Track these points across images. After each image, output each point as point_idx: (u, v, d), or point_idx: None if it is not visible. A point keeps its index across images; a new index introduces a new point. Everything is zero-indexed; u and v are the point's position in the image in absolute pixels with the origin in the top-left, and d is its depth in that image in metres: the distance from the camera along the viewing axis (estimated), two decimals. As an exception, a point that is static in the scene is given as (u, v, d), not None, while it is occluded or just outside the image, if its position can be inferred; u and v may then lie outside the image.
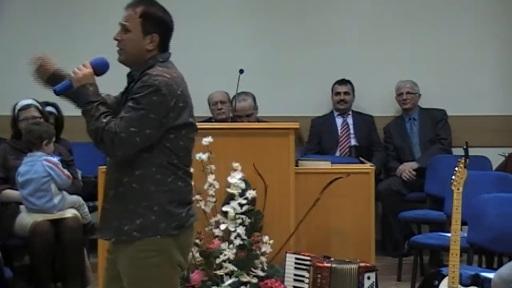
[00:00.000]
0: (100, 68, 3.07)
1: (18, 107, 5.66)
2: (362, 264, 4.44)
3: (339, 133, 6.87)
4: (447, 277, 4.22)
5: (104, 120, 2.92)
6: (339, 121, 6.93)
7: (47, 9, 7.18)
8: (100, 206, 3.37)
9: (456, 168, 4.35)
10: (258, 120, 6.41)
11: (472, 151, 4.59)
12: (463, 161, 4.35)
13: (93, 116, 2.94)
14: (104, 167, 4.76)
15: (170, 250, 3.01)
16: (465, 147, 4.43)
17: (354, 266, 4.43)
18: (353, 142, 6.83)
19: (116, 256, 3.05)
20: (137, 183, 2.98)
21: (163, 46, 3.10)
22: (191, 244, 3.21)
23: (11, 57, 7.00)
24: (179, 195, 3.04)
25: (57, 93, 3.05)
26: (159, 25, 3.06)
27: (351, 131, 6.87)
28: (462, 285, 4.20)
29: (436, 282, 4.25)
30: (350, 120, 6.93)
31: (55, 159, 5.35)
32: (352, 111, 6.96)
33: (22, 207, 5.34)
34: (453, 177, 4.34)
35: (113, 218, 3.02)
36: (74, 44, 6.90)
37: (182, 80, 3.07)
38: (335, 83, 6.92)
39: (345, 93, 6.89)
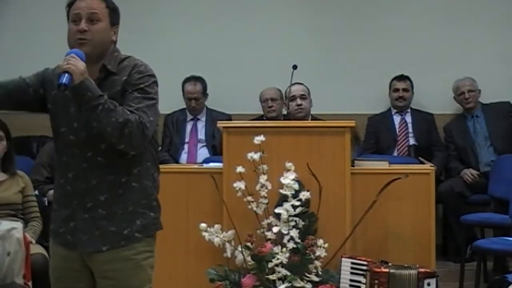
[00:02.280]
0: (82, 60, 2.89)
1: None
2: (421, 270, 4.39)
3: (397, 132, 6.82)
4: (513, 284, 4.17)
5: (128, 113, 2.85)
6: (397, 119, 6.88)
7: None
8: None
9: (523, 169, 4.28)
10: (313, 118, 6.40)
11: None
12: (530, 161, 4.28)
13: (113, 109, 2.82)
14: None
15: (154, 249, 3.05)
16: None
17: (413, 271, 4.38)
18: (411, 141, 6.78)
19: (100, 264, 2.95)
20: (136, 181, 2.96)
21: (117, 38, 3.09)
22: None
23: (58, 56, 7.11)
24: (159, 189, 3.08)
25: (68, 86, 2.81)
26: (118, 17, 3.08)
27: (410, 129, 6.81)
28: (529, 292, 4.14)
29: (501, 289, 4.20)
30: (408, 118, 6.88)
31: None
32: (411, 108, 6.91)
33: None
34: (520, 178, 4.28)
35: (105, 224, 2.93)
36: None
37: None
38: (393, 79, 6.89)
39: (404, 89, 6.85)
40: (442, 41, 7.00)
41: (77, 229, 2.95)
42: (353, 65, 7.05)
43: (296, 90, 6.30)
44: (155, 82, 3.00)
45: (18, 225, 4.67)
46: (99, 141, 2.90)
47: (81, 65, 2.82)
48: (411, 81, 6.88)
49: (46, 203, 5.30)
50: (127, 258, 2.94)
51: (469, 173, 6.48)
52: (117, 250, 2.93)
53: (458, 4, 7.05)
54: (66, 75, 2.80)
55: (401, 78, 6.87)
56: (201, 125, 6.86)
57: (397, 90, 6.86)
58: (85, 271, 2.99)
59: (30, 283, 4.56)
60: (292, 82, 5.90)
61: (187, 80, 6.89)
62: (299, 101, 6.30)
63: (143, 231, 2.97)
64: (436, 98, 6.95)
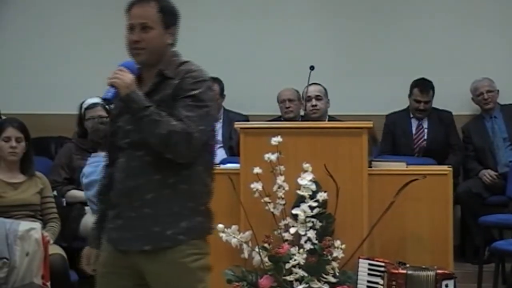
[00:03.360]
0: (132, 72, 3.00)
1: (84, 105, 5.76)
2: (439, 271, 4.38)
3: (413, 136, 6.78)
4: (531, 286, 4.15)
5: (175, 123, 2.85)
6: (414, 123, 6.82)
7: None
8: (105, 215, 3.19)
9: (542, 170, 4.26)
10: (330, 118, 6.40)
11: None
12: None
13: (158, 121, 2.85)
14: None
15: (208, 251, 3.05)
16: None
17: (431, 273, 4.37)
18: (425, 145, 6.73)
19: (148, 266, 2.98)
20: (184, 184, 2.97)
21: (176, 38, 3.11)
22: None
23: (78, 56, 7.16)
24: (211, 196, 3.09)
25: (111, 100, 2.97)
26: (176, 17, 3.09)
27: (425, 135, 6.76)
28: (548, 294, 4.12)
29: (520, 291, 4.18)
30: (425, 123, 6.80)
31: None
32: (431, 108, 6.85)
33: (87, 208, 5.43)
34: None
35: (150, 224, 2.95)
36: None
37: None
38: (415, 86, 6.74)
39: (426, 102, 6.72)
40: (459, 42, 6.98)
41: (123, 227, 3.00)
42: (371, 66, 7.04)
43: (312, 91, 6.31)
44: (209, 88, 2.99)
45: (37, 225, 4.70)
46: (150, 144, 2.93)
47: (127, 78, 2.91)
48: (433, 90, 6.71)
49: (65, 204, 5.32)
50: (173, 261, 2.95)
51: (487, 174, 6.46)
52: (162, 251, 2.95)
53: (475, 6, 7.03)
54: (111, 89, 2.91)
55: (425, 89, 6.68)
56: (218, 126, 6.86)
57: (419, 101, 6.71)
58: (131, 269, 3.01)
59: (48, 284, 4.58)
60: (309, 83, 5.90)
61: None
62: (314, 101, 6.32)
63: (188, 233, 2.96)
64: (453, 99, 6.91)
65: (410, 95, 6.80)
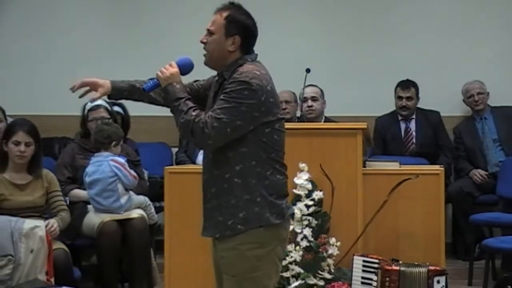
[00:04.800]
0: (185, 68, 3.25)
1: (87, 107, 5.74)
2: (431, 268, 4.38)
3: (403, 138, 6.78)
4: (521, 282, 4.15)
5: (194, 113, 3.08)
6: (402, 125, 6.82)
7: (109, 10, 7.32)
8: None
9: (531, 170, 4.26)
10: (326, 119, 6.40)
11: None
12: (537, 162, 4.26)
13: (182, 111, 3.10)
14: (171, 167, 4.85)
15: (271, 243, 3.15)
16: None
17: (423, 269, 4.37)
18: (415, 148, 6.72)
19: (218, 251, 3.20)
20: (239, 178, 3.13)
21: (246, 48, 3.25)
22: (287, 237, 3.33)
23: (80, 59, 7.16)
24: (277, 188, 3.19)
25: (146, 91, 3.24)
26: (241, 28, 3.22)
27: (414, 137, 6.76)
28: (537, 290, 4.12)
29: (510, 287, 4.18)
30: (413, 125, 6.79)
31: (122, 160, 5.42)
32: (417, 109, 6.82)
33: (90, 207, 5.42)
34: (527, 179, 4.26)
35: (216, 214, 3.17)
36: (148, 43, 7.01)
37: (270, 77, 3.22)
38: (397, 86, 6.78)
39: (408, 98, 6.73)
40: (450, 46, 6.97)
41: (204, 217, 3.26)
42: (364, 69, 7.03)
43: (308, 92, 6.34)
44: (246, 89, 3.09)
45: (41, 223, 4.68)
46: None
47: (169, 72, 3.19)
48: (416, 88, 6.75)
49: (68, 203, 5.31)
50: (233, 248, 3.14)
51: (478, 174, 6.46)
52: (225, 239, 3.16)
53: (466, 10, 7.02)
54: (152, 80, 3.21)
55: (406, 86, 6.74)
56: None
57: (401, 98, 6.75)
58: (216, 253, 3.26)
59: (52, 280, 4.57)
60: (306, 84, 5.91)
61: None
62: (310, 102, 6.34)
63: (246, 223, 3.12)
64: (445, 101, 6.90)
65: (395, 97, 6.81)
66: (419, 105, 6.85)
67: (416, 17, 7.05)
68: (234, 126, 3.07)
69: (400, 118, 6.83)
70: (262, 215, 3.13)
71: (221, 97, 3.10)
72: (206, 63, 3.25)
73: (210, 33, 3.22)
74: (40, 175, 5.00)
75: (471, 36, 6.97)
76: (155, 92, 3.32)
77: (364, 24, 7.05)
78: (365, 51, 7.03)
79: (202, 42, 3.23)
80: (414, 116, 6.82)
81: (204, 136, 3.06)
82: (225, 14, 3.21)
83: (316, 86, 6.41)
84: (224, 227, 3.14)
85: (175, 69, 3.21)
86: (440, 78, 6.92)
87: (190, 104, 3.13)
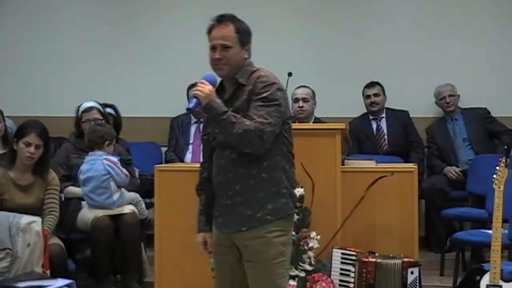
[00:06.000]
0: (213, 84, 3.25)
1: (81, 109, 5.74)
2: (406, 260, 4.40)
3: (375, 138, 6.80)
4: (488, 273, 4.18)
5: (248, 123, 3.11)
6: (374, 125, 6.84)
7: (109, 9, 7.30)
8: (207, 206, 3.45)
9: (498, 168, 4.29)
10: (316, 119, 6.42)
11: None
12: (504, 160, 4.29)
13: (234, 122, 3.10)
14: (161, 165, 4.85)
15: (290, 230, 3.32)
16: (506, 147, 4.36)
17: (398, 261, 4.39)
18: (387, 147, 6.75)
19: (241, 242, 3.24)
20: (266, 173, 3.21)
21: (250, 52, 3.36)
22: None
23: (74, 62, 7.14)
24: (293, 179, 3.34)
25: (191, 109, 3.22)
26: (249, 36, 3.33)
27: (385, 136, 6.78)
28: (503, 280, 4.15)
29: (478, 277, 4.21)
30: (383, 124, 6.82)
31: (115, 159, 5.41)
32: (386, 109, 6.85)
33: (83, 203, 5.41)
34: (495, 176, 4.29)
35: (242, 209, 3.22)
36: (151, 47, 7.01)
37: None
38: (364, 88, 6.81)
39: (375, 94, 6.77)
40: (423, 51, 6.97)
41: (223, 213, 3.29)
42: (343, 72, 7.03)
43: (300, 93, 6.37)
44: (278, 89, 3.22)
45: (37, 219, 4.67)
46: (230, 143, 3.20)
47: (207, 89, 3.16)
48: (381, 86, 6.79)
49: (63, 199, 5.30)
50: (261, 236, 3.20)
51: (452, 171, 6.48)
52: (253, 229, 3.21)
53: (437, 17, 7.02)
54: (194, 100, 3.17)
55: (371, 84, 6.78)
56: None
57: (368, 96, 6.78)
58: (233, 246, 3.29)
59: (48, 272, 4.56)
60: (298, 86, 5.92)
61: (192, 86, 6.87)
62: (301, 103, 6.35)
63: (274, 213, 3.21)
64: (418, 103, 6.91)
65: (364, 100, 6.84)
66: (393, 106, 6.87)
67: (391, 23, 7.03)
68: (278, 126, 3.18)
69: (371, 118, 6.84)
70: (288, 204, 3.26)
71: (259, 103, 3.15)
72: (224, 75, 3.27)
73: (226, 47, 3.24)
74: (46, 177, 4.97)
75: (443, 42, 6.98)
76: None
77: (339, 30, 7.03)
78: (342, 57, 7.02)
79: (218, 58, 3.24)
80: (384, 115, 6.85)
81: (263, 142, 3.12)
82: (232, 27, 3.27)
83: (308, 87, 6.42)
84: (253, 220, 3.21)
85: (210, 86, 3.20)
86: (413, 81, 6.93)
87: (237, 115, 3.14)
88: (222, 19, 3.29)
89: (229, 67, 3.25)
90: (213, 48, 3.28)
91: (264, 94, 3.16)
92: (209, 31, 3.31)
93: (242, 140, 3.10)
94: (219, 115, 3.13)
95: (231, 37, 3.25)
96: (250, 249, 3.23)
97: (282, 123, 3.22)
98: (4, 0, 7.33)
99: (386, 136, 6.78)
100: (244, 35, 3.29)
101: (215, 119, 3.16)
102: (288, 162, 3.30)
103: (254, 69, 3.29)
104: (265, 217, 3.20)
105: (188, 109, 3.24)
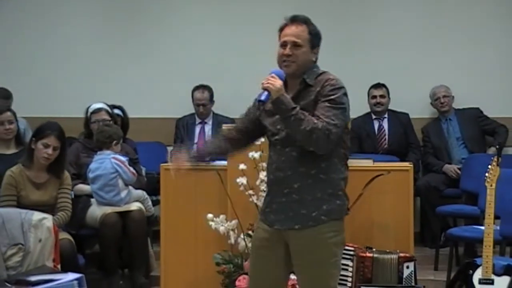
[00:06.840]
0: (281, 79, 3.15)
1: (90, 110, 5.76)
2: (402, 255, 4.41)
3: (377, 137, 6.81)
4: (481, 267, 4.19)
5: (316, 121, 3.05)
6: (376, 124, 6.86)
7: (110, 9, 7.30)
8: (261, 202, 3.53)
9: (490, 166, 4.30)
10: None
11: (505, 150, 4.54)
12: (496, 159, 4.30)
13: (303, 119, 3.04)
14: (166, 164, 4.86)
15: (343, 231, 3.26)
16: (497, 146, 4.37)
17: (394, 256, 4.40)
18: (387, 145, 6.76)
19: (293, 240, 3.19)
20: (324, 174, 3.17)
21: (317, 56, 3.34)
22: None
23: (84, 65, 7.14)
24: (347, 181, 3.29)
25: (264, 102, 3.10)
26: (319, 40, 3.32)
27: (386, 135, 6.79)
28: (495, 274, 4.16)
29: (471, 271, 4.22)
30: (385, 123, 6.84)
31: (123, 158, 5.43)
32: (388, 111, 6.87)
33: (92, 200, 5.43)
34: (487, 174, 4.30)
35: (298, 207, 3.17)
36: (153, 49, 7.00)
37: None
38: (370, 88, 6.85)
39: (381, 96, 6.81)
40: (419, 54, 6.98)
41: (276, 210, 3.24)
42: (343, 74, 6.95)
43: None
44: (345, 94, 3.20)
45: (48, 215, 4.68)
46: (295, 139, 3.13)
47: (278, 83, 3.08)
48: (387, 88, 6.83)
49: (73, 196, 5.32)
50: (314, 236, 3.16)
51: (452, 169, 6.49)
52: (307, 229, 3.16)
53: (433, 21, 7.03)
54: (265, 92, 3.08)
55: (378, 85, 6.82)
56: (208, 128, 6.88)
57: (374, 97, 6.81)
58: (280, 243, 3.24)
59: (58, 266, 4.57)
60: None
61: (196, 88, 6.90)
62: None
63: (329, 214, 3.18)
64: (414, 103, 6.93)
65: (368, 99, 6.85)
66: (391, 107, 6.88)
67: (389, 28, 7.03)
68: (342, 128, 3.14)
69: (374, 117, 6.86)
70: (342, 206, 3.23)
71: (327, 104, 3.11)
72: (291, 72, 3.21)
73: (297, 45, 3.21)
74: (61, 177, 5.01)
75: (438, 45, 6.98)
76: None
77: (340, 34, 7.03)
78: (340, 58, 6.99)
79: (288, 54, 3.20)
80: (386, 116, 6.87)
81: (329, 142, 3.06)
82: (306, 28, 3.25)
83: None
84: (307, 219, 3.16)
85: (280, 81, 3.11)
86: (410, 83, 6.93)
87: (306, 112, 3.08)
88: (296, 19, 3.27)
89: (297, 65, 3.21)
90: (283, 45, 3.23)
91: (333, 97, 3.12)
92: (281, 29, 3.28)
93: (309, 137, 3.04)
94: (288, 110, 3.06)
95: (303, 37, 3.23)
96: (302, 248, 3.18)
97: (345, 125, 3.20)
98: (6, 1, 7.34)
99: (387, 136, 6.79)
100: (315, 38, 3.27)
101: (284, 114, 3.08)
102: (344, 164, 3.27)
103: (321, 71, 3.26)
104: (320, 217, 3.15)
105: (259, 101, 3.09)
